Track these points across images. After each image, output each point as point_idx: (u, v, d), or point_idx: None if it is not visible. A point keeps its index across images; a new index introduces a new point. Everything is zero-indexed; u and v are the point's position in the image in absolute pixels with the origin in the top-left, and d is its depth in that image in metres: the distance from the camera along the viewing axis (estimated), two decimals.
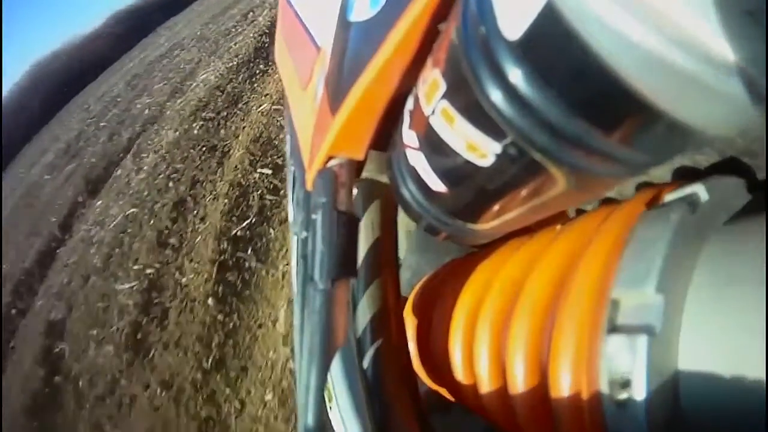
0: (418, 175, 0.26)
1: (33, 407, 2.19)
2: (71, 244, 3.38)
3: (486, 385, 0.31)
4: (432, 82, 0.21)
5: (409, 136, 0.25)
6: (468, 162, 0.21)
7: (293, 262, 0.56)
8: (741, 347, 0.17)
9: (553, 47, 0.15)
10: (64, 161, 5.51)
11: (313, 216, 0.32)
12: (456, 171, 0.22)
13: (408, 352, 0.37)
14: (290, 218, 0.69)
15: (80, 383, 2.14)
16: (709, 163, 0.25)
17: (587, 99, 0.16)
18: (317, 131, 0.36)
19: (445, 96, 0.20)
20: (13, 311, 3.07)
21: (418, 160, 0.25)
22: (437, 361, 0.40)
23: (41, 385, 2.27)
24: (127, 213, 3.05)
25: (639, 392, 0.18)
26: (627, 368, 0.18)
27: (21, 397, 2.27)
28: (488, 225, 0.26)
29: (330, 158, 0.34)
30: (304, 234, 0.38)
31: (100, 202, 3.63)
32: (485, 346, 0.31)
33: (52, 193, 4.81)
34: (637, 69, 0.14)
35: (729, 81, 0.13)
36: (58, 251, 3.40)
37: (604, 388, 0.19)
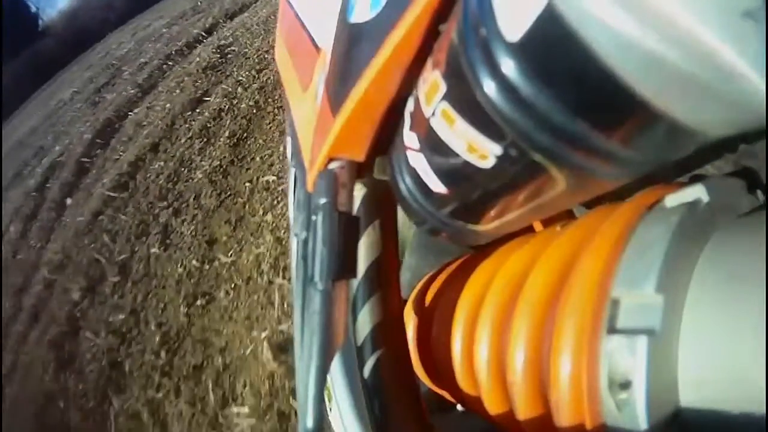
0: (419, 177, 0.26)
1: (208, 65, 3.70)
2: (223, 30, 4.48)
3: (486, 385, 0.31)
4: (432, 83, 0.21)
5: (409, 138, 0.25)
6: (468, 163, 0.21)
7: (293, 263, 0.56)
8: (741, 347, 0.17)
9: (554, 48, 0.15)
10: (186, 17, 5.93)
11: (314, 217, 0.32)
12: (456, 172, 0.22)
13: (409, 360, 0.37)
14: (291, 219, 0.69)
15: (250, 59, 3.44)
16: (717, 171, 0.25)
17: (587, 100, 0.16)
18: (318, 132, 0.36)
19: (445, 97, 0.20)
20: (164, 65, 4.38)
21: (418, 161, 0.25)
22: (437, 362, 0.40)
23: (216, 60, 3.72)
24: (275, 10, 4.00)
25: (639, 393, 0.18)
26: (627, 369, 0.18)
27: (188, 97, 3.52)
28: (489, 226, 0.26)
29: (331, 159, 0.34)
30: (305, 235, 0.38)
31: (245, 14, 4.61)
32: (485, 347, 0.31)
33: (181, 30, 5.40)
34: (637, 70, 0.14)
35: (729, 81, 0.13)
36: (203, 41, 4.49)
37: (604, 388, 0.19)
